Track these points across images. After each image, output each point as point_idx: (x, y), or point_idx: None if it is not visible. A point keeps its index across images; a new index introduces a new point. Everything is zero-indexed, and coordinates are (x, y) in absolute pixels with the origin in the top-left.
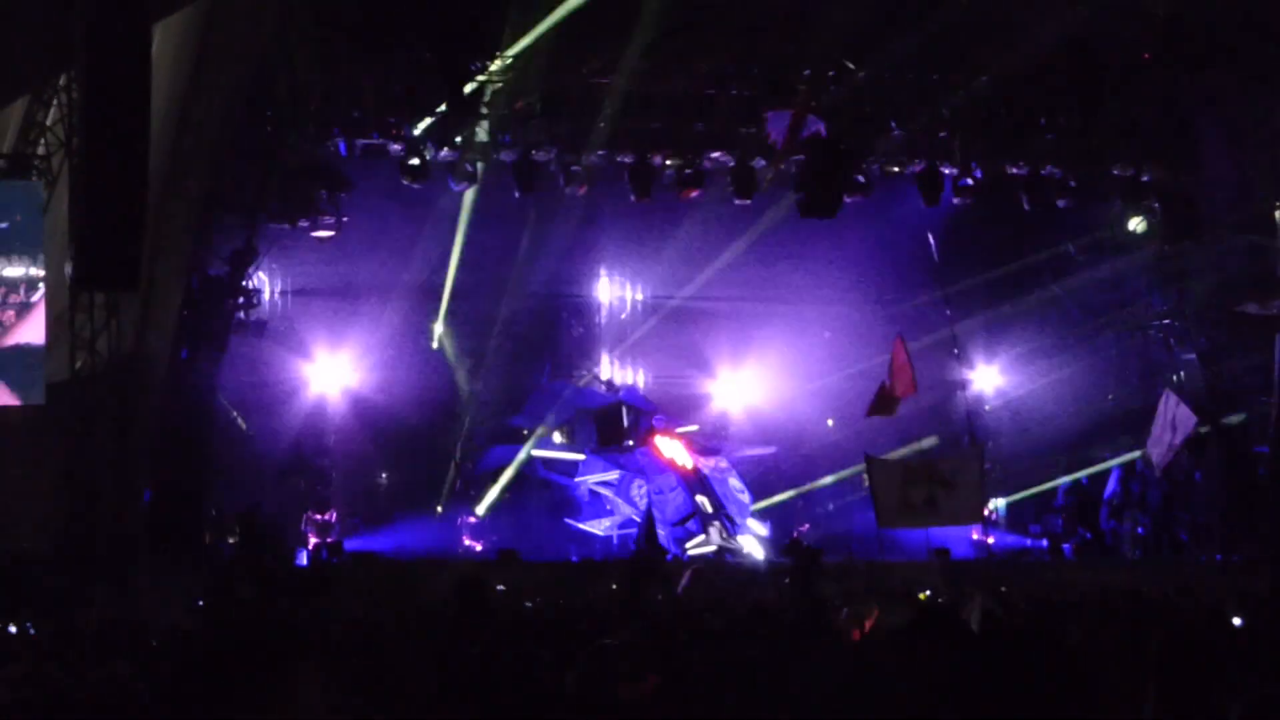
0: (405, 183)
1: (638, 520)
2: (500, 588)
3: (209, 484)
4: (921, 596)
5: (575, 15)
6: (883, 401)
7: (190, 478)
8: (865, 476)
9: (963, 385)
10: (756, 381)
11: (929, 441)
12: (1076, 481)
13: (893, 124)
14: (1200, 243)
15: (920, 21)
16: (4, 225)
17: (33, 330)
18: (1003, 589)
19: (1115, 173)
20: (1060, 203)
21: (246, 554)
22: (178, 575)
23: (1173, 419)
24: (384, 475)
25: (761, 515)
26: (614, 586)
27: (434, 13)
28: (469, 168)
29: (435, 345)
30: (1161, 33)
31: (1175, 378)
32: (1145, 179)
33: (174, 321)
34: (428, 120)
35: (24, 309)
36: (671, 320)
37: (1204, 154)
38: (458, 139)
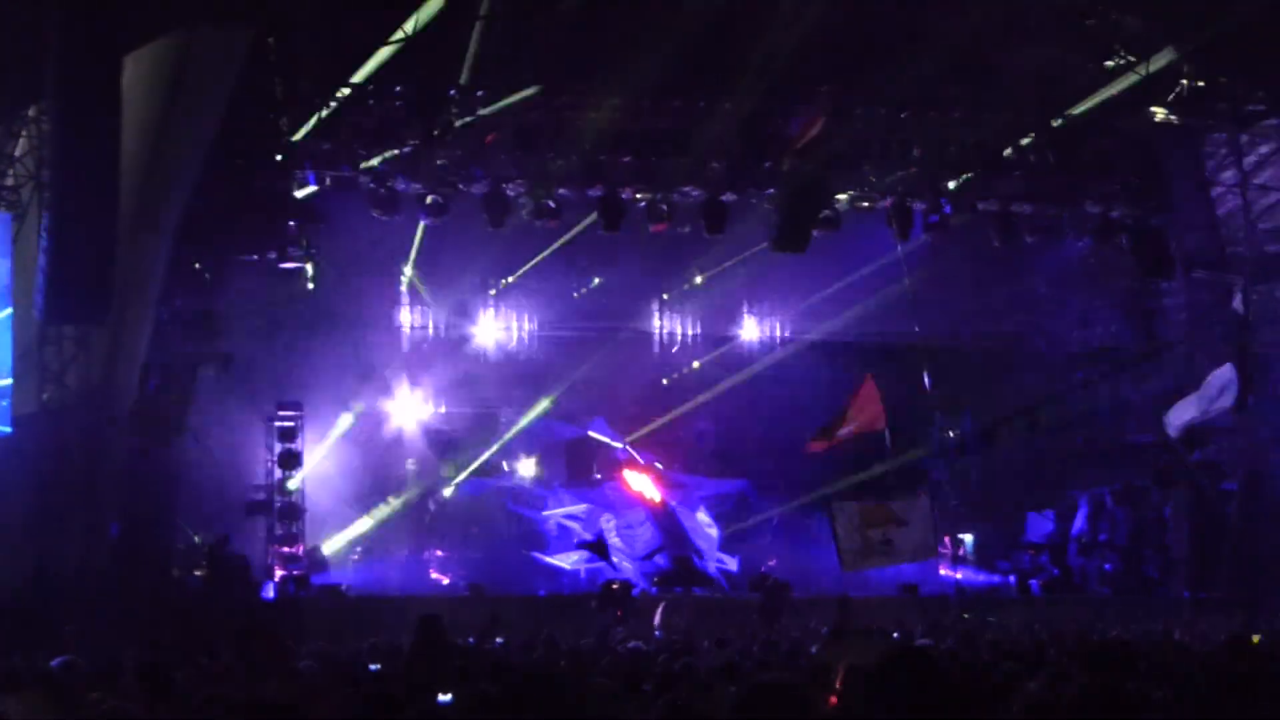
0: (375, 215)
1: (606, 554)
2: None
3: (176, 517)
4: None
5: (547, 50)
6: (825, 433)
7: (158, 510)
8: (830, 522)
9: (934, 420)
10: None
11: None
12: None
13: (863, 160)
14: (1170, 280)
15: (892, 59)
16: None
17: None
18: (965, 614)
19: (1086, 210)
20: (1030, 239)
21: (214, 587)
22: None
23: (1223, 386)
24: (351, 508)
25: (729, 549)
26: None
27: (406, 47)
28: (438, 200)
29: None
30: (1133, 71)
31: (1144, 415)
32: (1115, 216)
33: (143, 354)
34: (398, 153)
35: None
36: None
37: (1175, 192)
38: (427, 172)
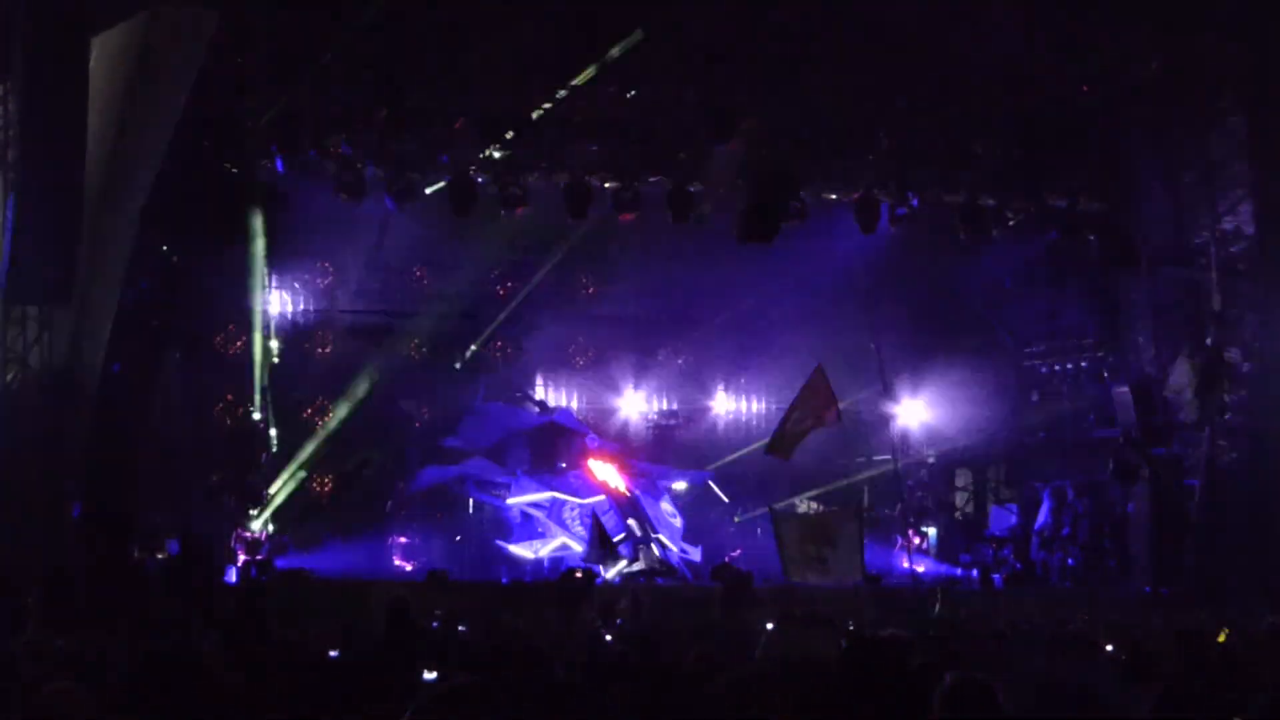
0: (341, 200)
1: (569, 543)
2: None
3: (138, 500)
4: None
5: (516, 36)
6: (786, 438)
7: (120, 493)
8: (774, 528)
9: (890, 417)
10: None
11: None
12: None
13: (831, 152)
14: (1135, 275)
15: (859, 50)
16: None
17: None
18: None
19: (1051, 203)
20: (996, 232)
21: (175, 570)
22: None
23: None
24: (317, 494)
25: (693, 539)
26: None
27: (374, 32)
28: (405, 186)
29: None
30: (1099, 65)
31: (1107, 409)
32: (1081, 210)
33: (107, 335)
34: (365, 138)
35: None
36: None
37: (1140, 186)
38: (395, 157)
